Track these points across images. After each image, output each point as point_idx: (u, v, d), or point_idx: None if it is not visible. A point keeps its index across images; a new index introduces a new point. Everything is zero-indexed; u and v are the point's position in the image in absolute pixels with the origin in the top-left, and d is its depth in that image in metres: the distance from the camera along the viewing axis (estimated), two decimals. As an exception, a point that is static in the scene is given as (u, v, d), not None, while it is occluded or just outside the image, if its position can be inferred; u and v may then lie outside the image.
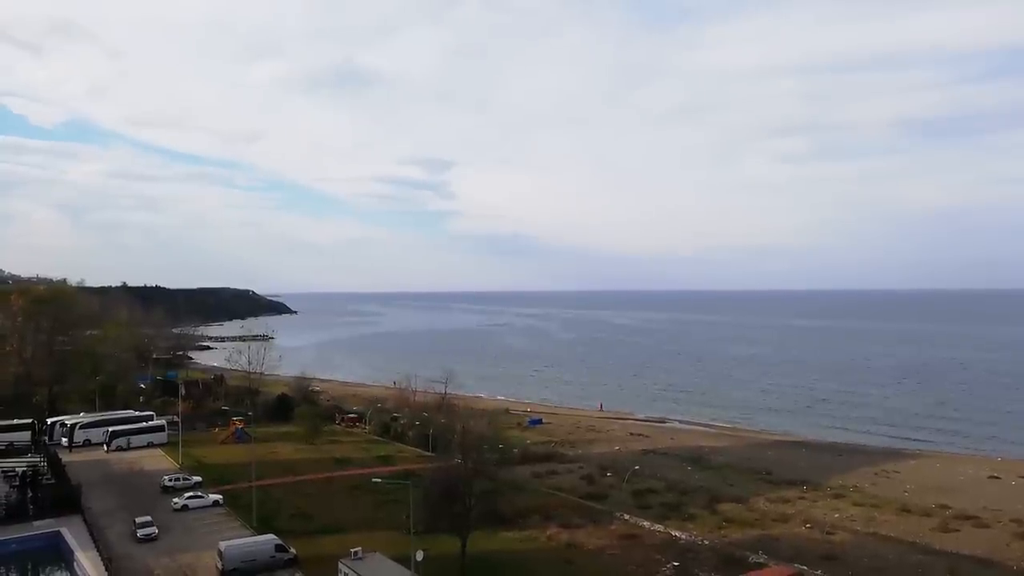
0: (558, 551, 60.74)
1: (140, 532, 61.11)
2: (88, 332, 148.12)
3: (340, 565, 51.42)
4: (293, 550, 57.42)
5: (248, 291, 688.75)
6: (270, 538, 57.86)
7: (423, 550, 49.14)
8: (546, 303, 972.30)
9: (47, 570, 57.08)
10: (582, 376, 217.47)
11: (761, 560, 59.05)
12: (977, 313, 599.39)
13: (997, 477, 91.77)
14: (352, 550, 52.59)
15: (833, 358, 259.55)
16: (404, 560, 49.51)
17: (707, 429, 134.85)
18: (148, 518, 63.68)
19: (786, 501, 78.92)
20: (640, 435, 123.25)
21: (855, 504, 77.77)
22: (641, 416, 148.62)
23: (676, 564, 57.56)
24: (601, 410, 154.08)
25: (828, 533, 66.86)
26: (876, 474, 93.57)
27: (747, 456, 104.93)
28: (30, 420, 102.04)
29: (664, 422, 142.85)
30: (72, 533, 59.37)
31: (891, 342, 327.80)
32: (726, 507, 75.32)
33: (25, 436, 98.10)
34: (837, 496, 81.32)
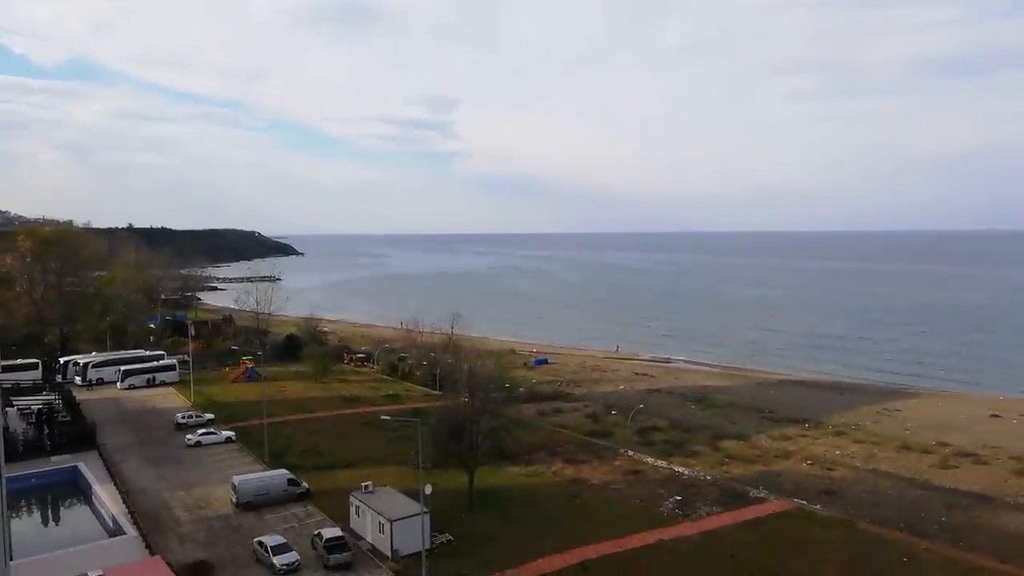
0: (563, 486, 62.14)
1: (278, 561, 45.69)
2: (96, 273, 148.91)
3: (351, 498, 52.83)
4: (305, 484, 58.95)
5: (254, 232, 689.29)
6: (282, 472, 59.31)
7: (431, 484, 50.32)
8: (553, 245, 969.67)
9: (67, 503, 58.82)
10: (588, 317, 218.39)
11: (762, 495, 60.36)
12: (987, 254, 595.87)
13: (998, 416, 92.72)
14: (362, 484, 53.97)
15: (840, 299, 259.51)
16: (413, 494, 50.73)
17: (711, 369, 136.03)
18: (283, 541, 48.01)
19: (788, 438, 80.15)
20: (645, 375, 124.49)
21: (856, 441, 78.95)
22: (646, 356, 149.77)
23: (679, 498, 58.88)
24: (617, 351, 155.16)
25: (828, 469, 68.08)
26: (878, 412, 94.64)
27: (750, 395, 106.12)
28: (35, 360, 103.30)
29: (669, 362, 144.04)
30: (89, 468, 61.00)
31: (899, 283, 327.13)
32: (728, 444, 76.61)
33: (32, 375, 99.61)
34: (838, 434, 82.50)
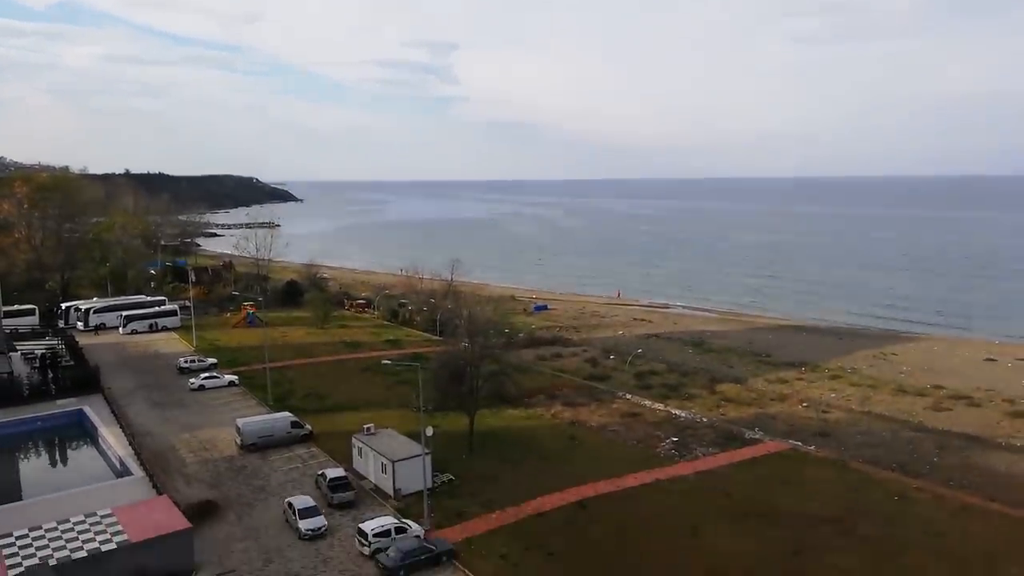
0: (562, 428, 63.17)
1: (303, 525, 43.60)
2: (94, 219, 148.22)
3: (354, 440, 53.76)
4: (308, 426, 59.90)
5: (252, 179, 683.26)
6: (285, 415, 60.22)
7: (432, 426, 51.15)
8: (553, 191, 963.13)
9: (73, 445, 59.80)
10: (587, 264, 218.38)
11: (757, 436, 61.43)
12: (997, 199, 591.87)
13: (993, 360, 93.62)
14: (365, 426, 54.86)
15: (844, 245, 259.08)
16: (414, 436, 51.63)
17: (710, 314, 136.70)
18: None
19: (784, 382, 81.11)
20: (643, 320, 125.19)
21: (852, 385, 79.92)
22: (645, 302, 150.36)
23: (675, 439, 59.91)
24: (619, 297, 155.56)
25: (823, 412, 69.08)
26: (874, 356, 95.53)
27: (748, 340, 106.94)
28: (32, 305, 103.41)
29: (667, 308, 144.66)
30: (94, 411, 61.79)
31: (905, 228, 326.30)
32: (725, 387, 77.58)
33: (30, 320, 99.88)
34: (834, 377, 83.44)
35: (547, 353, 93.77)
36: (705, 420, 65.85)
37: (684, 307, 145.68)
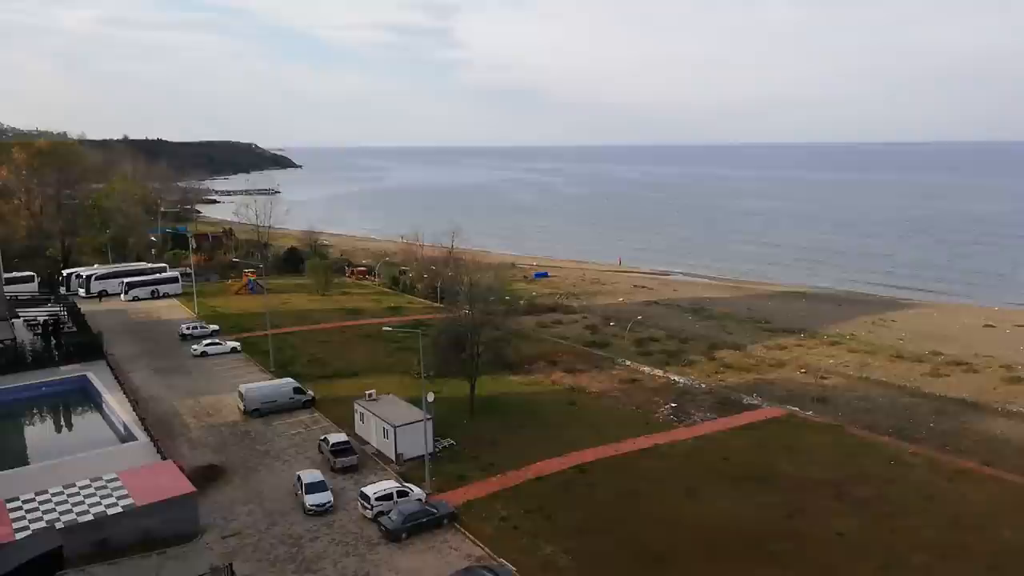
0: (562, 393, 63.70)
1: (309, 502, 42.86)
2: (93, 186, 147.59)
3: (356, 405, 54.30)
4: (311, 392, 60.42)
5: (251, 145, 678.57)
6: (288, 381, 60.70)
7: (433, 392, 51.61)
8: (556, 157, 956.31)
9: (77, 410, 60.45)
10: (588, 231, 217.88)
11: (755, 402, 61.95)
12: (1008, 165, 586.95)
13: (992, 326, 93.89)
14: (366, 392, 55.37)
15: (846, 211, 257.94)
16: (415, 402, 52.12)
17: (710, 281, 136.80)
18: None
19: (783, 348, 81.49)
20: (643, 287, 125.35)
21: (850, 351, 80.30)
22: (645, 269, 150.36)
23: (674, 405, 60.45)
24: (620, 264, 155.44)
25: (822, 378, 69.53)
26: (873, 323, 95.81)
27: (748, 306, 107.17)
28: (31, 272, 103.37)
29: (668, 275, 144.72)
30: (98, 377, 62.32)
31: (909, 195, 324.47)
32: (724, 354, 77.99)
33: (29, 287, 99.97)
34: (833, 343, 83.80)
35: (547, 320, 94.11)
36: (704, 386, 66.34)
37: (684, 274, 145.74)
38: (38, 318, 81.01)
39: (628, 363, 73.41)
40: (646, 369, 71.47)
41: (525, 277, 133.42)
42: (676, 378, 68.66)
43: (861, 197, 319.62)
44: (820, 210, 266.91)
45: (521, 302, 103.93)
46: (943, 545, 38.73)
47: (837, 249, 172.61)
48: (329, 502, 42.07)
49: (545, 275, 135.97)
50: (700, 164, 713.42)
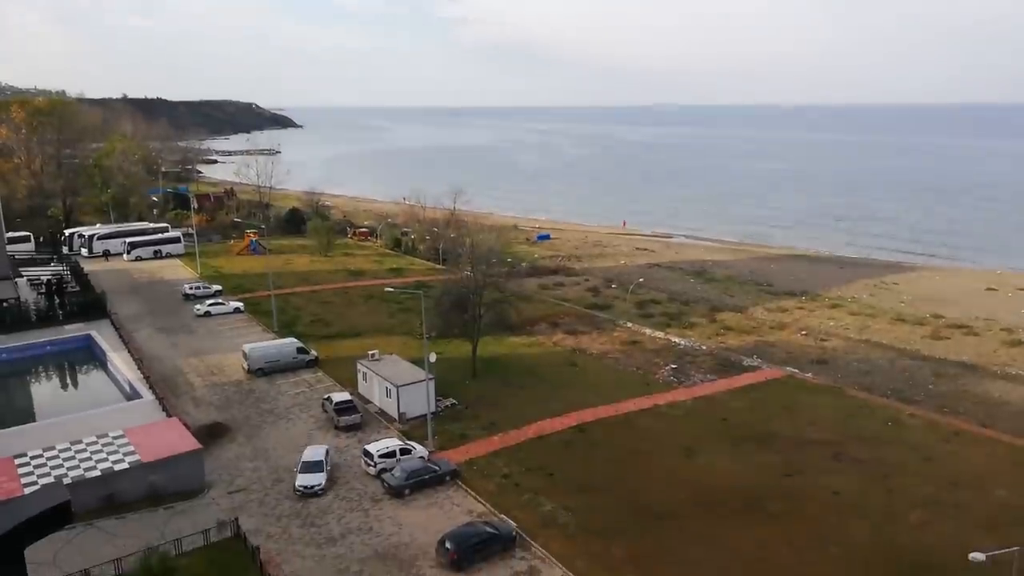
0: (563, 355, 64.07)
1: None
2: (93, 145, 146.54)
3: (358, 365, 54.69)
4: (314, 352, 60.80)
5: (251, 104, 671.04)
6: (291, 341, 61.08)
7: (436, 353, 51.92)
8: (559, 119, 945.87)
9: (83, 369, 60.97)
10: (591, 193, 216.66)
11: (755, 364, 62.30)
12: (1014, 128, 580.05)
13: (994, 289, 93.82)
14: (369, 352, 55.72)
15: (852, 174, 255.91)
16: (418, 362, 52.47)
17: (712, 244, 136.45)
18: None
19: (784, 311, 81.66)
20: (645, 250, 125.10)
21: (851, 314, 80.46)
22: (648, 232, 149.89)
23: (674, 367, 60.81)
24: (624, 227, 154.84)
25: (822, 340, 69.82)
26: (875, 286, 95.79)
27: (750, 269, 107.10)
28: (27, 232, 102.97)
29: (670, 237, 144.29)
30: (102, 336, 62.71)
31: (917, 157, 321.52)
32: (725, 316, 78.20)
33: (26, 247, 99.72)
34: (834, 306, 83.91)
35: (549, 282, 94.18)
36: (704, 348, 66.66)
37: (687, 237, 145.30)
38: (41, 277, 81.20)
39: (629, 325, 73.66)
40: (647, 331, 71.73)
41: (527, 239, 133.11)
42: (677, 340, 68.96)
43: (866, 159, 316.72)
44: (824, 172, 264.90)
45: (523, 264, 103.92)
46: (940, 503, 39.30)
47: (840, 212, 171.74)
48: (319, 484, 39.91)
49: (547, 237, 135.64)
50: (704, 126, 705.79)
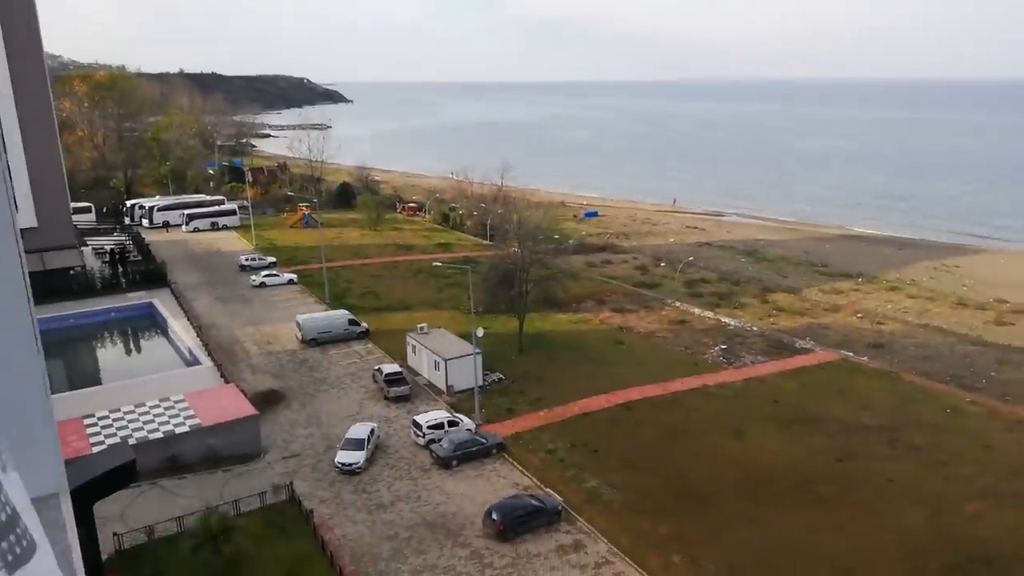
0: (609, 332, 63.85)
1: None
2: (152, 119, 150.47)
3: (408, 337, 55.48)
4: (365, 324, 61.85)
5: (303, 79, 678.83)
6: (343, 313, 62.23)
7: (483, 328, 52.30)
8: (610, 94, 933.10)
9: (145, 335, 63.25)
10: (641, 170, 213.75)
11: (807, 346, 61.11)
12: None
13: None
14: (418, 325, 56.44)
15: (914, 152, 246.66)
16: (465, 336, 52.95)
17: (765, 223, 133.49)
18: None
19: (839, 292, 79.69)
20: (696, 228, 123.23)
21: (910, 297, 78.09)
22: (699, 210, 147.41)
23: (723, 347, 60.06)
24: (675, 204, 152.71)
25: (878, 323, 68.02)
26: (936, 268, 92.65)
27: (804, 249, 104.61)
28: (88, 204, 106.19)
29: (721, 216, 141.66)
30: (163, 304, 64.87)
31: (985, 135, 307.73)
32: (777, 297, 76.71)
33: (87, 217, 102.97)
34: (892, 289, 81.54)
35: (596, 259, 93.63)
36: (755, 329, 65.61)
37: (739, 215, 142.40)
38: (105, 247, 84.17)
39: (678, 304, 72.90)
40: (696, 310, 70.90)
41: (575, 216, 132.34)
42: (727, 320, 68.00)
43: (927, 137, 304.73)
44: (884, 150, 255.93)
45: (570, 241, 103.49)
46: (998, 494, 38.20)
47: (900, 191, 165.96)
48: (357, 463, 39.85)
49: (595, 214, 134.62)
50: (762, 101, 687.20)
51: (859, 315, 70.75)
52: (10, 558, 1.49)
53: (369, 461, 40.83)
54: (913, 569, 32.50)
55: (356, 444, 41.02)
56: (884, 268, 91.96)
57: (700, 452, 42.54)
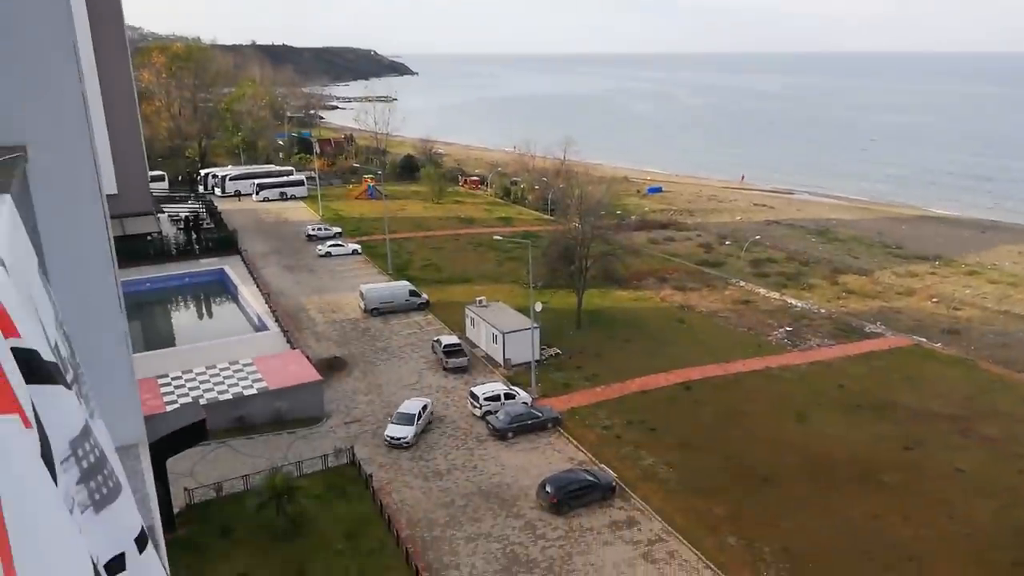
0: (670, 311, 63.06)
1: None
2: (225, 89, 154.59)
3: (467, 310, 56.05)
4: (425, 295, 62.77)
5: (370, 51, 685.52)
6: (404, 284, 63.28)
7: (541, 302, 52.37)
8: (679, 66, 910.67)
9: (216, 300, 65.77)
10: (708, 145, 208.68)
11: (877, 330, 59.07)
12: None
13: None
14: (477, 298, 56.96)
15: (1005, 130, 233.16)
16: (523, 310, 53.17)
17: (838, 201, 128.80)
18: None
19: (914, 275, 76.54)
20: (764, 206, 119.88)
21: (990, 282, 74.42)
22: (767, 187, 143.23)
23: (789, 329, 58.61)
24: (743, 181, 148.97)
25: (955, 309, 65.15)
26: (1020, 253, 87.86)
27: (878, 230, 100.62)
28: (161, 172, 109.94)
29: (791, 193, 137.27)
30: (233, 270, 67.21)
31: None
32: (848, 279, 74.22)
33: (160, 186, 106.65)
34: (971, 273, 77.84)
35: (659, 236, 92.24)
36: (823, 311, 63.74)
37: (810, 193, 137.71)
38: (180, 214, 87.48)
39: (742, 283, 71.35)
40: (761, 291, 69.27)
41: (638, 192, 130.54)
42: (793, 301, 66.24)
43: (1014, 113, 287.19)
44: (971, 126, 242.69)
45: (632, 217, 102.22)
46: (1077, 491, 36.41)
47: (986, 171, 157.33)
48: (406, 438, 40.01)
49: (659, 190, 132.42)
50: (838, 75, 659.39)
51: (934, 300, 67.88)
52: (97, 497, 1.60)
53: (418, 436, 40.88)
54: (980, 562, 31.42)
55: (407, 419, 41.11)
56: (963, 251, 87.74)
57: (760, 434, 41.85)
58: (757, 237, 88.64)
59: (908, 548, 32.18)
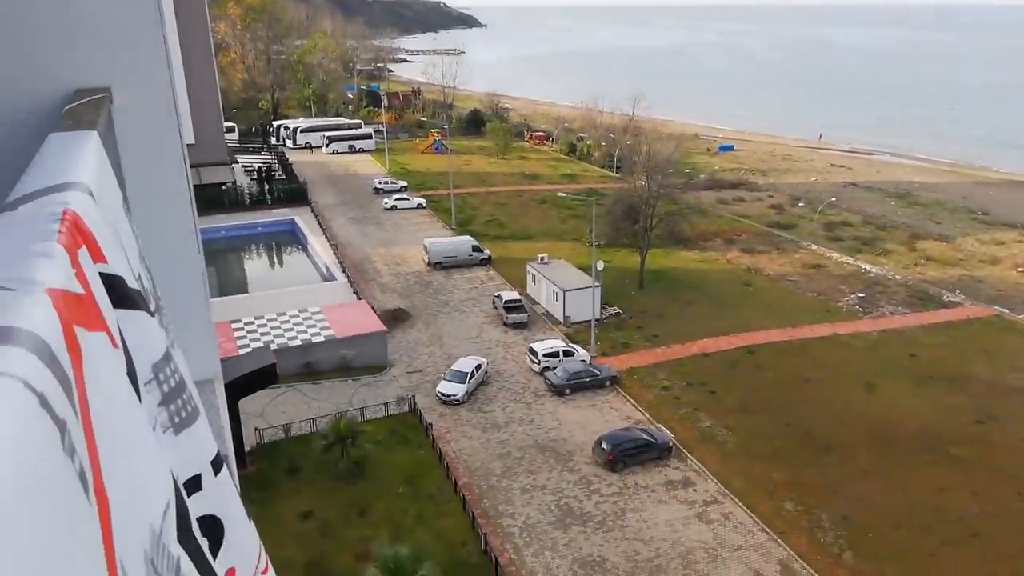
0: (737, 273, 61.75)
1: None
2: (297, 42, 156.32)
3: (528, 267, 56.18)
4: (487, 251, 63.12)
5: (439, 2, 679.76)
6: (467, 239, 63.73)
7: (604, 261, 51.98)
8: (756, 17, 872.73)
9: (287, 250, 67.77)
10: (784, 102, 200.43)
11: (957, 299, 56.59)
12: None
13: None
14: (539, 255, 56.96)
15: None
16: (585, 268, 52.95)
17: (921, 164, 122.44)
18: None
19: (999, 243, 72.54)
20: (842, 167, 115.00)
21: (1086, 254, 69.96)
22: (846, 147, 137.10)
23: (861, 295, 56.72)
24: (820, 140, 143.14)
25: (1043, 280, 61.68)
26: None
27: (963, 194, 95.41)
28: (232, 123, 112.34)
29: (872, 154, 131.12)
30: (303, 221, 68.97)
31: None
32: (927, 245, 70.95)
33: (230, 137, 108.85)
34: (1065, 244, 73.24)
35: (728, 196, 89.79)
36: (899, 278, 61.31)
37: (892, 154, 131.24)
38: (253, 165, 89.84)
39: (814, 247, 69.08)
40: (834, 255, 66.97)
41: (708, 150, 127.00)
42: (867, 267, 63.87)
43: None
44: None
45: (701, 176, 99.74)
46: None
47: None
48: (456, 395, 40.09)
49: (730, 148, 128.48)
50: (929, 28, 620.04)
51: (1020, 269, 64.35)
52: (177, 420, 1.73)
53: (469, 395, 40.84)
54: (1053, 544, 30.33)
55: (459, 376, 41.09)
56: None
57: (824, 402, 41.00)
58: (833, 199, 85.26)
59: (972, 524, 31.29)
